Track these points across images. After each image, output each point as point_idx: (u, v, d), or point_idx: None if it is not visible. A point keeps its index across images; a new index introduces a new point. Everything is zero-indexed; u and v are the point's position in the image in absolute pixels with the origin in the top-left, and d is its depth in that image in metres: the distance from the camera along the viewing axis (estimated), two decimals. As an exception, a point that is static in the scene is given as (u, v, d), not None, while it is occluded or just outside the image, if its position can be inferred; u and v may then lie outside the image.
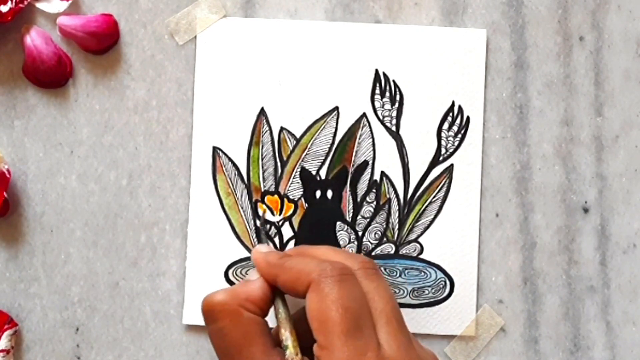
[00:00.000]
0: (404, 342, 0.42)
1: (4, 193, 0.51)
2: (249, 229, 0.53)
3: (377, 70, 0.53)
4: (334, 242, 0.53)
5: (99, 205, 0.53)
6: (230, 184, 0.53)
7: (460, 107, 0.53)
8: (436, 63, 0.53)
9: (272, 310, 0.46)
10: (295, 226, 0.53)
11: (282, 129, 0.53)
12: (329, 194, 0.53)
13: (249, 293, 0.44)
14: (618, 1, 0.54)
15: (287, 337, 0.44)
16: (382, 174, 0.53)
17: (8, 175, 0.52)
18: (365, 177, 0.53)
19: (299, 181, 0.53)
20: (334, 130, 0.53)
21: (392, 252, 0.53)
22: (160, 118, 0.53)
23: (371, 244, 0.53)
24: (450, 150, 0.53)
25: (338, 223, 0.53)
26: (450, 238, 0.53)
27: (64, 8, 0.52)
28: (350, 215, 0.53)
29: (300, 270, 0.43)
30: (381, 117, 0.53)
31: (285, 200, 0.53)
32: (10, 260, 0.53)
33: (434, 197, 0.53)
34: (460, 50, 0.53)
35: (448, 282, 0.53)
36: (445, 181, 0.53)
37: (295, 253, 0.47)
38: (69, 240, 0.53)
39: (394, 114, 0.53)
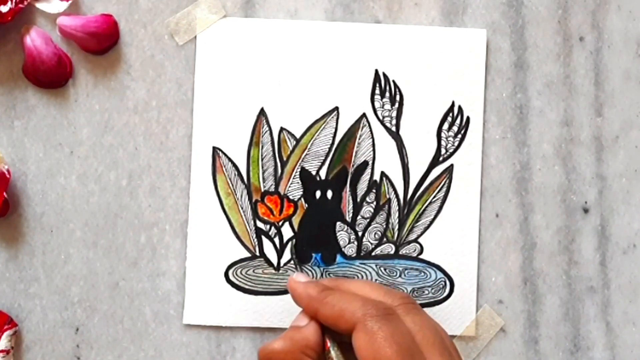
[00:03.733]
0: None
1: (4, 193, 0.51)
2: (248, 229, 0.53)
3: (377, 71, 0.53)
4: (334, 242, 0.53)
5: (99, 205, 0.53)
6: (230, 184, 0.53)
7: (460, 108, 0.53)
8: (436, 63, 0.53)
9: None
10: (295, 226, 0.53)
11: (282, 129, 0.53)
12: (329, 194, 0.53)
13: (307, 340, 0.45)
14: (618, 1, 0.54)
15: None
16: (382, 174, 0.53)
17: (8, 176, 0.52)
18: (365, 177, 0.53)
19: (299, 181, 0.53)
20: (333, 130, 0.53)
21: (392, 252, 0.53)
22: (160, 118, 0.53)
23: (371, 244, 0.53)
24: (450, 151, 0.53)
25: (338, 223, 0.53)
26: (450, 238, 0.53)
27: (63, 8, 0.52)
28: (350, 215, 0.53)
29: (343, 308, 0.44)
30: (381, 117, 0.53)
31: (285, 200, 0.53)
32: (10, 260, 0.53)
33: (434, 197, 0.53)
34: (460, 50, 0.53)
35: (448, 283, 0.53)
36: (445, 181, 0.53)
37: (331, 284, 0.47)
38: (69, 241, 0.53)
39: (394, 114, 0.53)
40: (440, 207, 0.53)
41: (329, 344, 0.45)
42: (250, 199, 0.53)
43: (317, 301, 0.45)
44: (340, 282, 0.48)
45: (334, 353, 0.45)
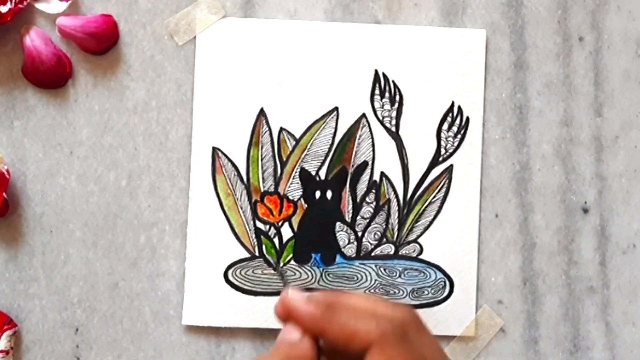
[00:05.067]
0: None
1: (4, 193, 0.51)
2: (248, 230, 0.53)
3: (376, 71, 0.53)
4: (334, 243, 0.53)
5: (98, 205, 0.53)
6: (230, 185, 0.53)
7: (459, 108, 0.53)
8: (436, 63, 0.53)
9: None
10: (295, 226, 0.53)
11: (281, 129, 0.53)
12: (329, 194, 0.53)
13: (304, 354, 0.42)
14: (618, 1, 0.54)
15: None
16: (382, 174, 0.53)
17: (8, 176, 0.52)
18: (365, 177, 0.53)
19: (299, 181, 0.53)
20: (333, 130, 0.53)
21: (392, 252, 0.53)
22: (160, 118, 0.53)
23: (371, 244, 0.53)
24: (450, 151, 0.53)
25: (337, 223, 0.53)
26: (450, 238, 0.53)
27: (63, 8, 0.52)
28: (350, 215, 0.53)
29: (355, 328, 0.41)
30: (381, 118, 0.53)
31: (285, 200, 0.53)
32: (10, 261, 0.53)
33: (434, 197, 0.53)
34: (459, 50, 0.53)
35: (448, 283, 0.53)
36: (445, 181, 0.53)
37: (326, 300, 0.43)
38: (68, 241, 0.53)
39: (394, 114, 0.53)
40: (440, 207, 0.53)
41: None
42: (249, 199, 0.53)
43: (324, 321, 0.42)
44: (339, 296, 0.44)
45: None
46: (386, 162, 0.53)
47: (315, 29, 0.53)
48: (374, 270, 0.53)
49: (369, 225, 0.53)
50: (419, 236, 0.53)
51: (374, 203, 0.53)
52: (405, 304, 0.47)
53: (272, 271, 0.53)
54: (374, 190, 0.53)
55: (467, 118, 0.53)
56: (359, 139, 0.53)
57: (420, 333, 0.43)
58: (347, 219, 0.53)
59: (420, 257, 0.53)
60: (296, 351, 0.42)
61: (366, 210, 0.53)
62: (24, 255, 0.53)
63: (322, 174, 0.53)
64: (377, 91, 0.53)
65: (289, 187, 0.53)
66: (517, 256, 0.54)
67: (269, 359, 0.42)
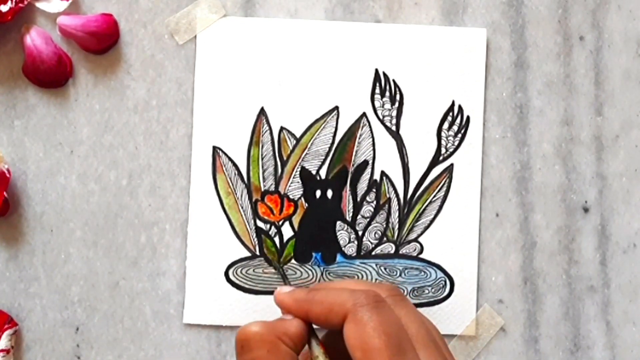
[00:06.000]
0: None
1: (4, 193, 0.51)
2: (249, 229, 0.53)
3: (377, 70, 0.53)
4: (334, 242, 0.53)
5: (99, 205, 0.53)
6: (230, 184, 0.53)
7: (460, 107, 0.53)
8: (436, 63, 0.53)
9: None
10: (295, 226, 0.53)
11: (282, 128, 0.53)
12: (329, 193, 0.53)
13: (286, 328, 0.44)
14: (618, 1, 0.54)
15: None
16: (382, 173, 0.53)
17: (8, 175, 0.52)
18: (365, 176, 0.53)
19: (299, 181, 0.53)
20: (334, 130, 0.53)
21: (392, 251, 0.53)
22: (160, 118, 0.53)
23: (371, 243, 0.53)
24: (450, 150, 0.53)
25: (338, 223, 0.53)
26: (450, 238, 0.53)
27: (64, 8, 0.52)
28: (350, 214, 0.53)
29: (332, 302, 0.43)
30: (381, 117, 0.53)
31: (285, 199, 0.53)
32: (10, 260, 0.53)
33: (434, 196, 0.53)
34: (460, 50, 0.53)
35: (448, 282, 0.53)
36: (445, 181, 0.53)
37: (317, 286, 0.47)
38: (69, 240, 0.53)
39: (394, 113, 0.53)
40: (441, 207, 0.53)
41: (314, 347, 0.45)
42: (250, 198, 0.53)
43: (306, 302, 0.44)
44: (326, 283, 0.49)
45: (317, 349, 0.44)
46: (386, 161, 0.53)
47: (315, 28, 0.53)
48: (374, 269, 0.53)
49: (369, 224, 0.53)
50: (419, 235, 0.53)
51: (375, 202, 0.53)
52: (390, 283, 0.48)
53: (273, 270, 0.53)
54: (374, 190, 0.53)
55: (468, 117, 0.53)
56: (359, 138, 0.53)
57: (399, 307, 0.44)
58: (347, 218, 0.53)
59: (421, 256, 0.53)
60: (281, 322, 0.44)
61: (367, 210, 0.53)
62: (25, 255, 0.53)
63: (323, 173, 0.53)
64: (377, 90, 0.53)
65: (290, 186, 0.53)
66: (518, 255, 0.54)
67: (254, 325, 0.44)
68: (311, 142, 0.53)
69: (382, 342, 0.41)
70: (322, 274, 0.53)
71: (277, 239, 0.53)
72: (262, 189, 0.53)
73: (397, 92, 0.53)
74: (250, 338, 0.43)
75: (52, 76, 0.52)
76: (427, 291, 0.53)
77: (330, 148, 0.53)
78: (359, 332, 0.41)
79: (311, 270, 0.53)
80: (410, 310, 0.44)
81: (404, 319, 0.43)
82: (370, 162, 0.53)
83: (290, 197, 0.53)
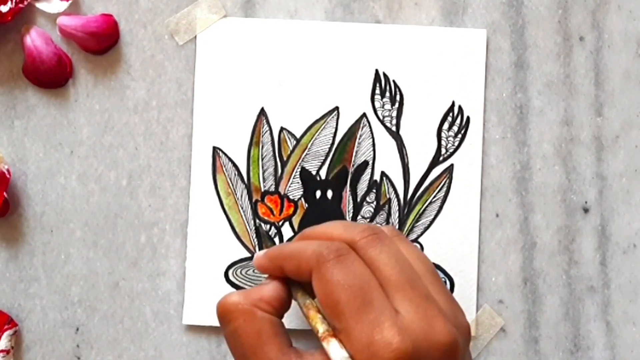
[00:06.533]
0: (421, 303, 0.41)
1: (4, 193, 0.51)
2: (249, 229, 0.53)
3: (377, 70, 0.53)
4: (334, 242, 0.53)
5: (99, 205, 0.53)
6: (230, 184, 0.53)
7: (460, 107, 0.53)
8: (436, 63, 0.53)
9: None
10: (296, 226, 0.53)
11: (282, 129, 0.53)
12: (329, 194, 0.53)
13: (262, 293, 0.44)
14: (618, 1, 0.54)
15: (314, 317, 0.43)
16: (382, 174, 0.53)
17: (8, 175, 0.52)
18: (365, 177, 0.53)
19: (299, 181, 0.53)
20: (334, 130, 0.53)
21: (392, 252, 0.53)
22: (160, 118, 0.53)
23: (371, 244, 0.53)
24: (450, 150, 0.53)
25: (338, 223, 0.53)
26: (450, 238, 0.53)
27: (64, 8, 0.52)
28: (351, 215, 0.53)
29: (299, 258, 0.43)
30: (381, 117, 0.53)
31: (285, 200, 0.53)
32: (10, 260, 0.53)
33: (434, 197, 0.53)
34: (460, 50, 0.53)
35: (448, 282, 0.53)
36: (445, 181, 0.53)
37: (300, 237, 0.47)
38: (69, 240, 0.53)
39: (394, 114, 0.53)
40: (441, 207, 0.53)
41: (297, 293, 0.44)
42: (250, 198, 0.53)
43: (279, 259, 0.44)
44: (308, 230, 0.47)
45: (302, 298, 0.44)
46: (387, 161, 0.53)
47: (315, 29, 0.53)
48: (374, 269, 0.53)
49: (369, 224, 0.53)
50: (419, 236, 0.53)
51: (375, 203, 0.53)
52: (366, 224, 0.47)
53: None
54: (374, 190, 0.53)
55: (468, 118, 0.53)
56: (359, 138, 0.53)
57: (373, 248, 0.43)
58: (347, 218, 0.53)
59: (421, 256, 0.53)
60: (256, 289, 0.44)
61: (367, 210, 0.53)
62: (25, 255, 0.53)
63: (323, 173, 0.53)
64: (377, 91, 0.53)
65: (290, 186, 0.53)
66: (518, 256, 0.54)
67: (231, 295, 0.44)
68: (311, 142, 0.53)
69: (345, 296, 0.40)
70: (322, 275, 0.53)
71: (277, 240, 0.53)
72: (262, 190, 0.53)
73: (397, 93, 0.53)
74: (227, 309, 0.44)
75: (52, 76, 0.52)
76: (427, 291, 0.53)
77: (330, 148, 0.53)
78: (324, 289, 0.41)
79: (311, 271, 0.53)
80: (383, 251, 0.43)
81: (377, 262, 0.42)
82: (371, 162, 0.53)
83: (290, 197, 0.53)
